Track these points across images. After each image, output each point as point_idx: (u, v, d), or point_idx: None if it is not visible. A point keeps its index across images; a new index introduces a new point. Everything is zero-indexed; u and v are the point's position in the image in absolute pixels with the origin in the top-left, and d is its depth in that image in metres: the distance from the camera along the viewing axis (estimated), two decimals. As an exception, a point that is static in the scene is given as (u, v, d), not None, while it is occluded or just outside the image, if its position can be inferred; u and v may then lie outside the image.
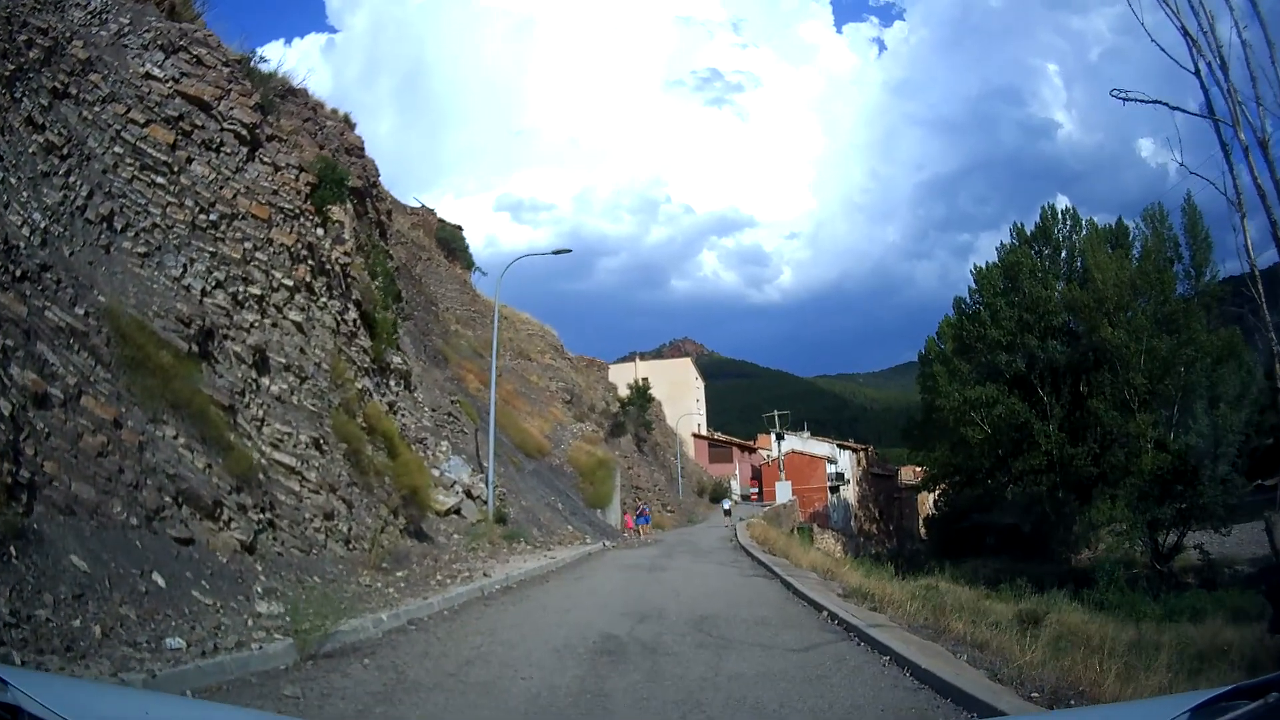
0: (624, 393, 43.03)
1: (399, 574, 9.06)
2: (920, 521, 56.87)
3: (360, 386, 11.32)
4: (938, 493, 43.04)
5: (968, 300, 37.78)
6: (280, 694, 4.32)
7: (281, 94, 15.59)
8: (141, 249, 8.74)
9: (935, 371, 36.57)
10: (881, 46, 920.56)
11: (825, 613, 7.57)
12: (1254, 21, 8.43)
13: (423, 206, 41.57)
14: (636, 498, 34.14)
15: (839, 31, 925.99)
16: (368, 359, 12.46)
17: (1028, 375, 31.85)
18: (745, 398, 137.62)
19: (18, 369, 6.15)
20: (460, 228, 43.66)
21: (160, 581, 5.81)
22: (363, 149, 18.47)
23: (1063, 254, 35.33)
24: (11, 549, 5.14)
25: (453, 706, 4.43)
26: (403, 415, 15.03)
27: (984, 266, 37.31)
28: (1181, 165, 8.23)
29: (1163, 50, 9.01)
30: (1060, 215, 36.57)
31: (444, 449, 18.12)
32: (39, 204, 8.17)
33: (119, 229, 8.91)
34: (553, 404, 34.27)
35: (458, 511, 15.63)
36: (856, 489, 58.54)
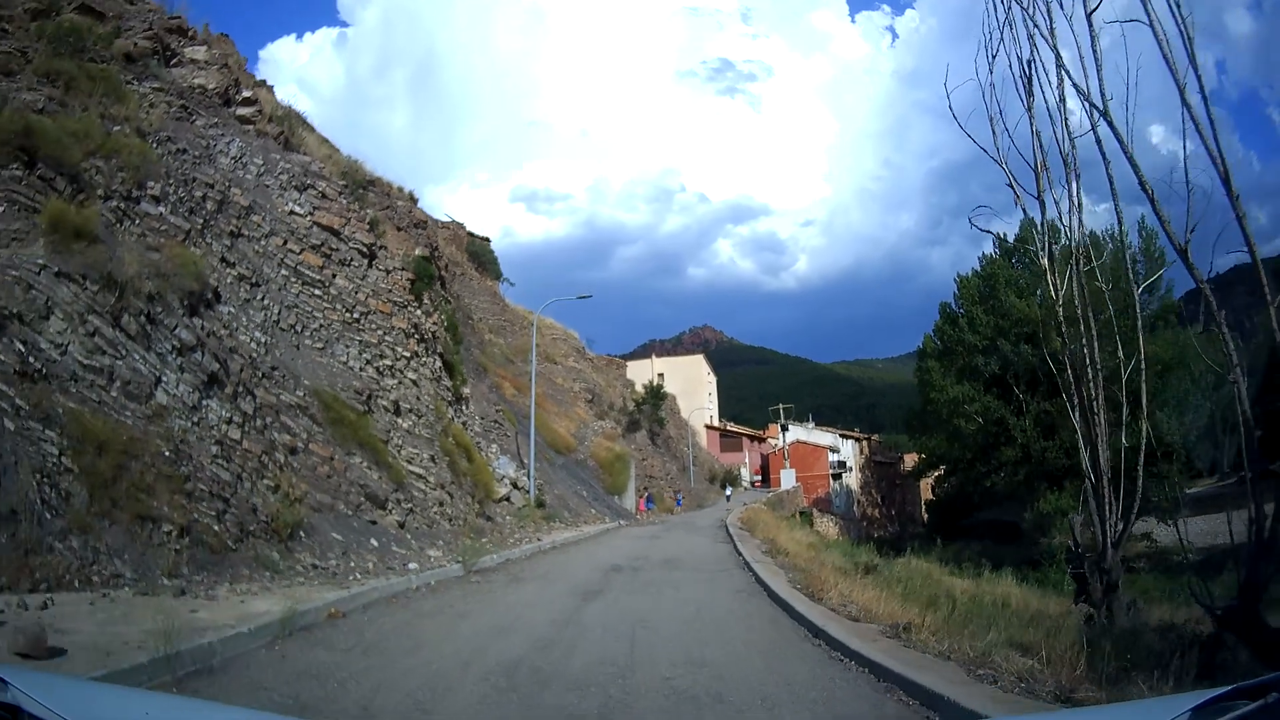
0: (640, 389, 47.77)
1: (483, 540, 14.29)
2: (922, 507, 60.96)
3: (449, 415, 16.51)
4: (933, 479, 47.18)
5: (952, 305, 41.94)
6: (469, 581, 9.72)
7: (364, 184, 20.46)
8: (319, 345, 13.76)
9: (930, 367, 40.52)
10: (894, 35, 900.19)
11: (742, 558, 12.73)
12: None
13: (453, 221, 45.69)
14: (648, 485, 39.25)
15: (853, 20, 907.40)
16: (450, 394, 17.66)
17: (1003, 376, 35.71)
18: (763, 385, 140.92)
19: (276, 434, 11.17)
20: (488, 239, 47.01)
21: (375, 544, 11.01)
22: (426, 222, 23.46)
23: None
24: (301, 533, 10.09)
25: (547, 585, 9.93)
26: (469, 429, 20.24)
27: (966, 275, 41.41)
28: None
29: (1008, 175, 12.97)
30: (1040, 226, 40.25)
31: (494, 450, 23.32)
32: (253, 323, 12.25)
33: (300, 331, 13.52)
34: (577, 404, 39.13)
35: (507, 499, 20.85)
36: (859, 476, 62.82)
